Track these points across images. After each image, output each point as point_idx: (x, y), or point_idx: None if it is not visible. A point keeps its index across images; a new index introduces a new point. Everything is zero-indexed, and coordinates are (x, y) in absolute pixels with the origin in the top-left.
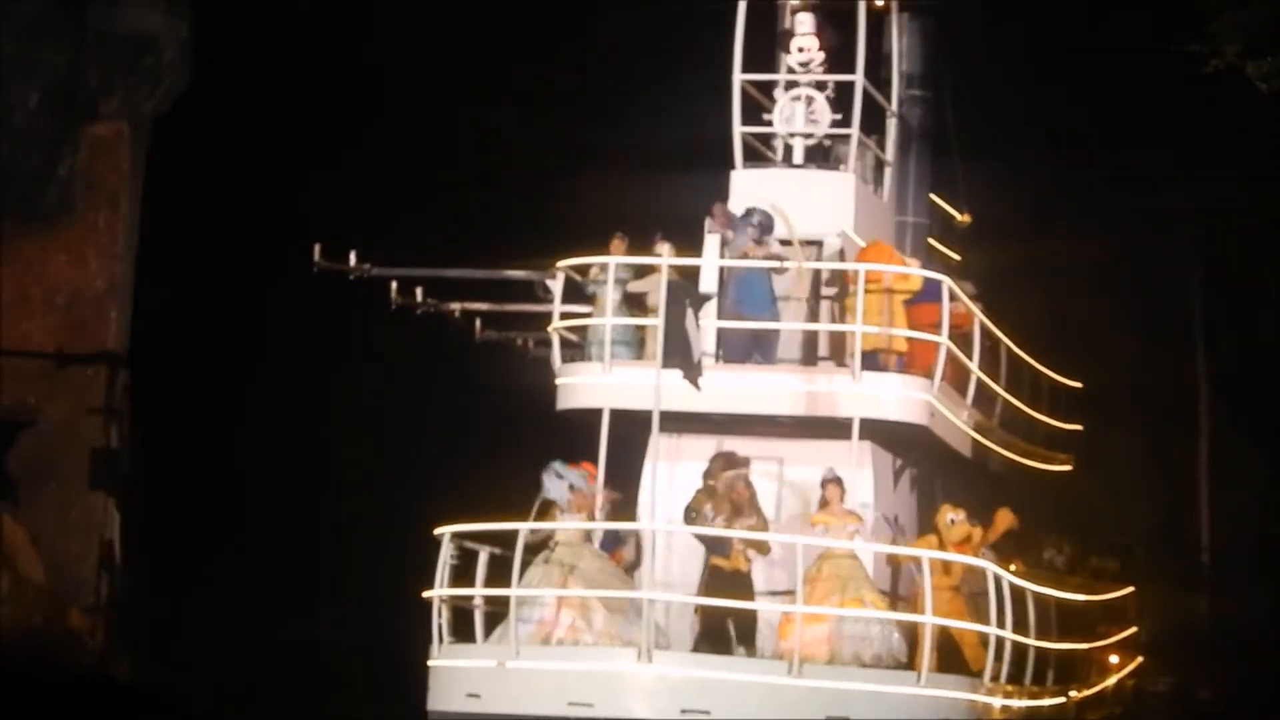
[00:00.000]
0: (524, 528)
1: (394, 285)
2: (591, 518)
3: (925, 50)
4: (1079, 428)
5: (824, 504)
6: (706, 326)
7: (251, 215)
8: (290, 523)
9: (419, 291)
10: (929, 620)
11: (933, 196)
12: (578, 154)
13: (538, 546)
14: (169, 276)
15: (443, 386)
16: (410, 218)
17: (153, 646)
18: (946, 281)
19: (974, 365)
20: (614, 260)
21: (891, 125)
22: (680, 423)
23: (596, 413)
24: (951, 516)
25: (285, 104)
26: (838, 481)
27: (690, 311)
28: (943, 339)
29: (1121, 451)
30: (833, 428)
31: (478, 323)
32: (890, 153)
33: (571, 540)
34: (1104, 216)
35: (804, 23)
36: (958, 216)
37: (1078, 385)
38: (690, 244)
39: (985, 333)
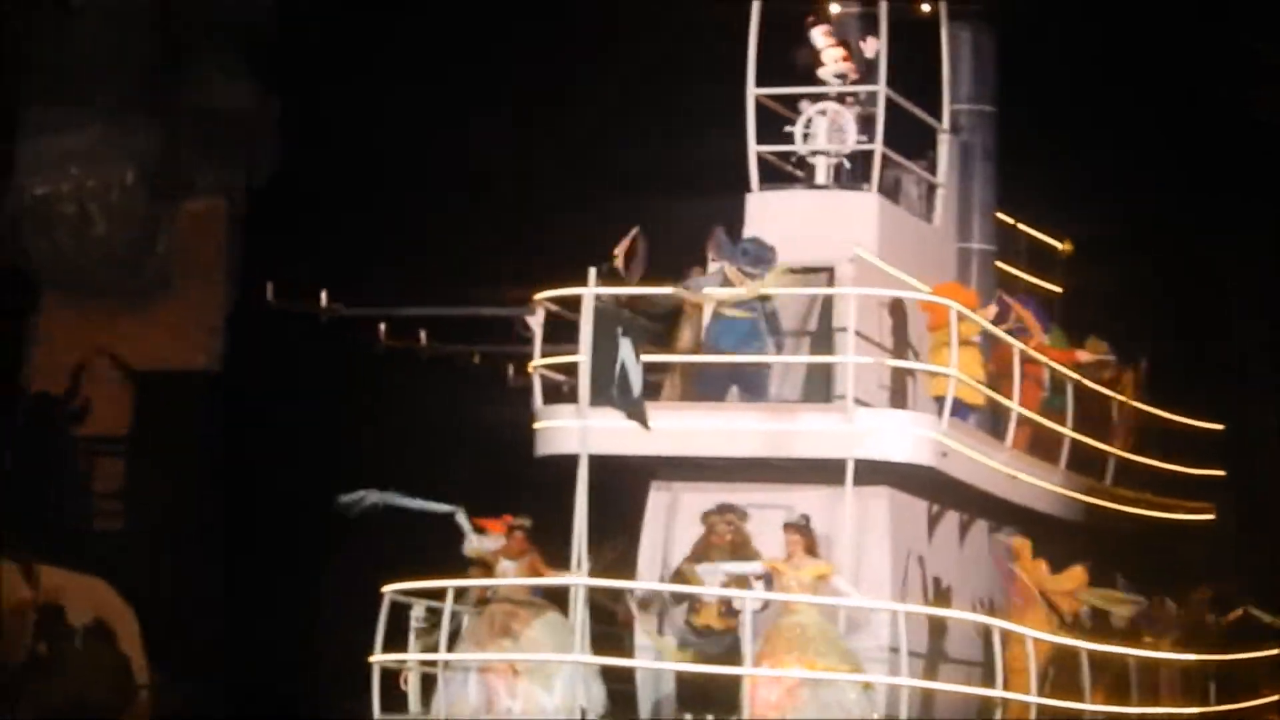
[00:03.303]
0: (456, 584)
1: (383, 326)
2: (532, 568)
3: (985, 62)
4: (1221, 473)
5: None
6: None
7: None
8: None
9: (423, 334)
10: (998, 695)
11: (1021, 226)
12: (574, 179)
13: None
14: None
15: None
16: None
17: None
18: (955, 306)
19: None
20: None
21: (943, 143)
22: (677, 470)
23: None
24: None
25: (377, 177)
26: (796, 528)
27: (626, 342)
28: (953, 370)
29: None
30: (857, 473)
31: (510, 368)
32: (942, 173)
33: (513, 595)
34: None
35: (822, 35)
36: (1058, 245)
37: (1218, 427)
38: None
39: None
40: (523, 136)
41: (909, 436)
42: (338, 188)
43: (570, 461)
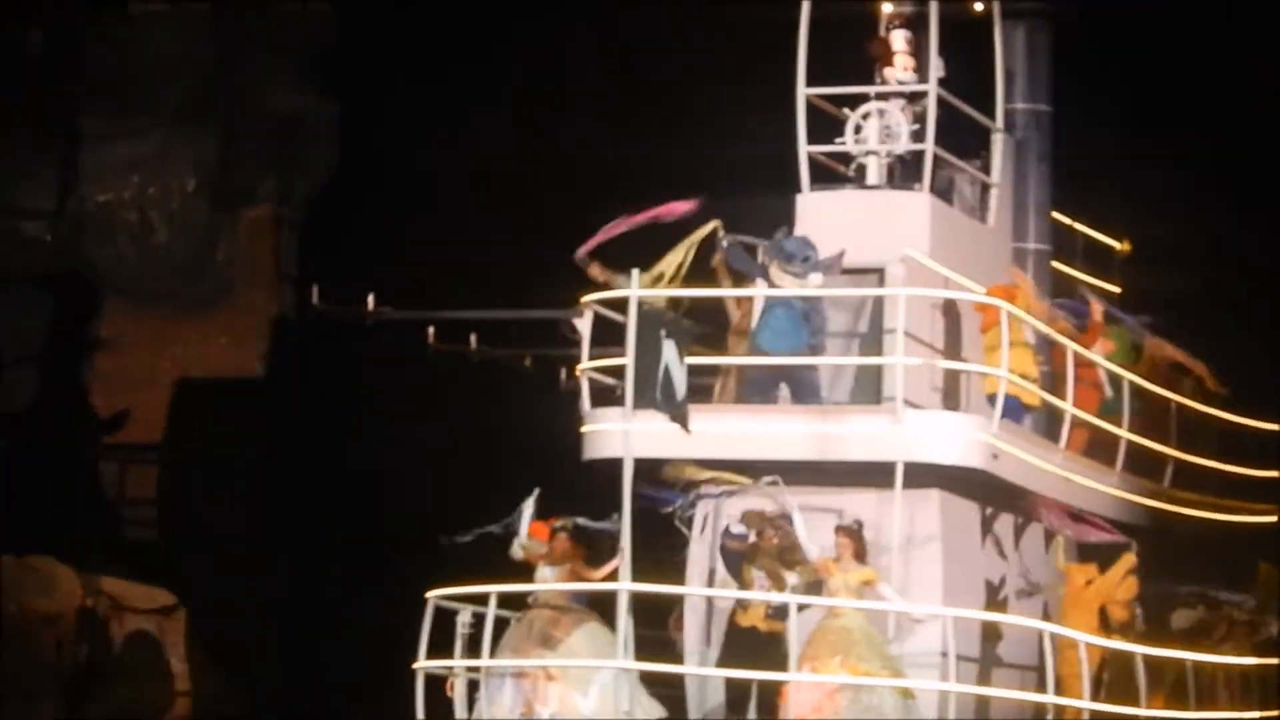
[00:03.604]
0: (499, 589)
1: (431, 330)
2: (574, 573)
3: (1040, 61)
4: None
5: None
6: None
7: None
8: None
9: (473, 338)
10: (1050, 700)
11: (1078, 225)
12: (620, 177)
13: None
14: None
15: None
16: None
17: None
18: (1006, 307)
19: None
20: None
21: (997, 142)
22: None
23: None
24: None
25: (433, 183)
26: (848, 531)
27: (670, 344)
28: (1003, 372)
29: None
30: (907, 476)
31: (562, 372)
32: (995, 173)
33: (553, 601)
34: None
35: (909, 40)
36: (1116, 245)
37: (1276, 428)
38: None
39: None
40: (573, 140)
41: (959, 439)
42: (394, 193)
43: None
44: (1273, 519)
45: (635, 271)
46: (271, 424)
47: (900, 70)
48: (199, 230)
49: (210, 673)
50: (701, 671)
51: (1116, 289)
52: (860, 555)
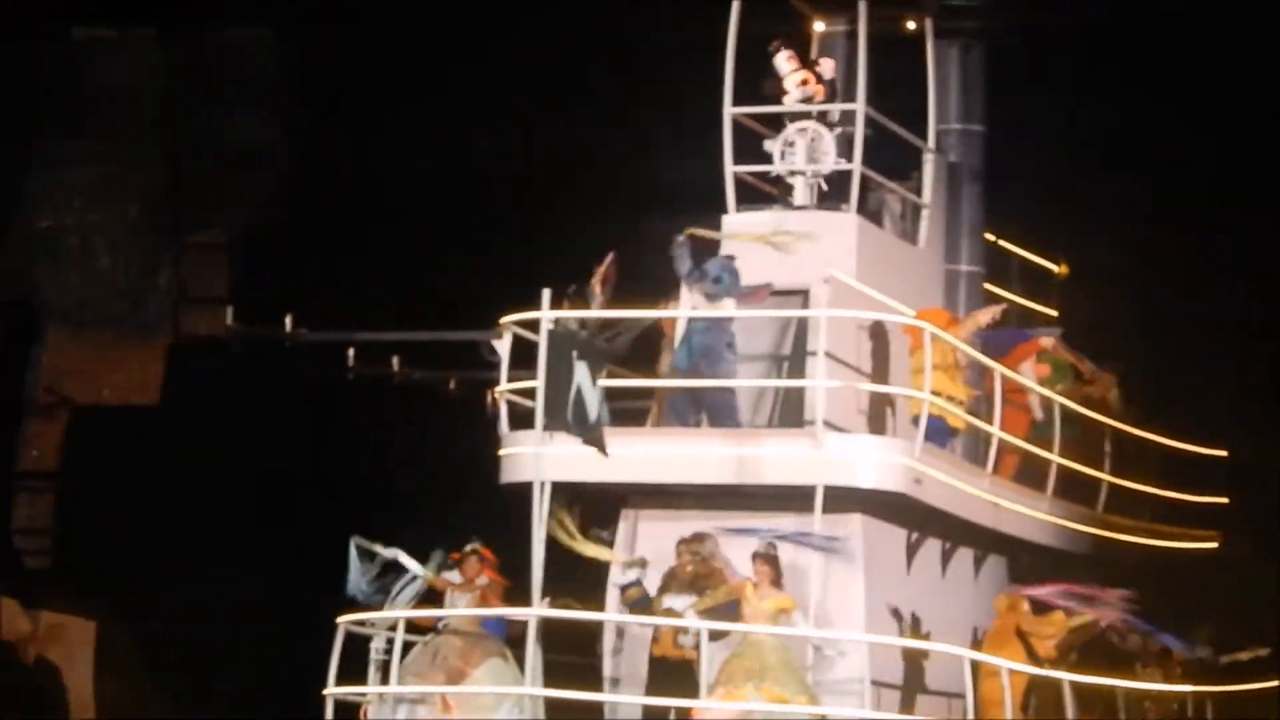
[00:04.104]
0: (402, 615)
1: (351, 352)
2: (484, 598)
3: (973, 81)
4: (1224, 500)
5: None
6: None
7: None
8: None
9: (395, 360)
10: None
11: (1009, 247)
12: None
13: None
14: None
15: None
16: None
17: None
18: (929, 328)
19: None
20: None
21: (928, 163)
22: (647, 498)
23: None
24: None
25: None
26: (765, 558)
27: (582, 366)
28: (925, 394)
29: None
30: (828, 500)
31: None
32: (926, 194)
33: (462, 628)
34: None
35: (790, 59)
36: (1054, 268)
37: (1222, 454)
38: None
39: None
40: (506, 159)
41: (880, 462)
42: (338, 222)
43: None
44: (1213, 545)
45: (546, 292)
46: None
47: (795, 88)
48: (143, 257)
49: (116, 698)
50: (610, 698)
51: (1054, 311)
52: (777, 581)
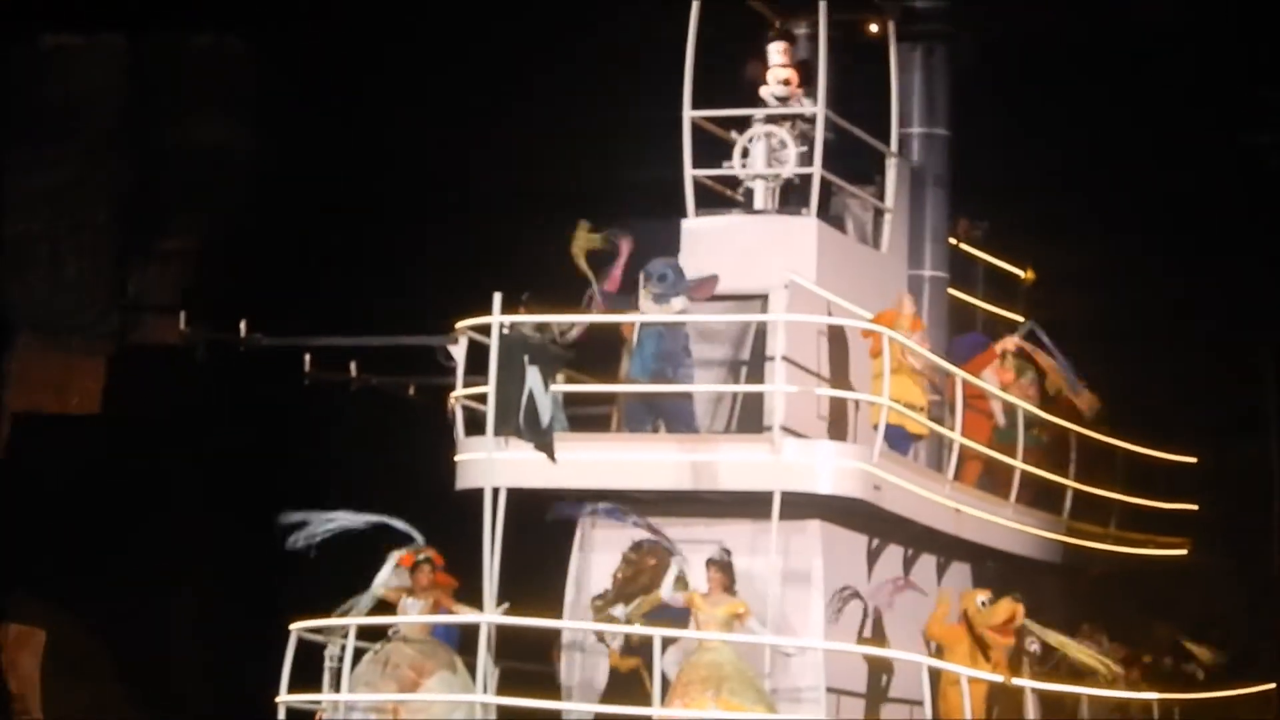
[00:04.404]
0: (354, 623)
1: (308, 358)
2: (437, 605)
3: (938, 85)
4: (1194, 507)
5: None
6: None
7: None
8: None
9: (353, 366)
10: None
11: (972, 252)
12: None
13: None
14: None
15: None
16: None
17: None
18: (888, 333)
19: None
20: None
21: (891, 167)
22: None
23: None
24: (982, 599)
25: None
26: (718, 564)
27: (534, 371)
28: (884, 399)
29: (1248, 533)
30: (787, 506)
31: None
32: (890, 198)
33: (412, 636)
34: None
35: (783, 52)
36: (1020, 274)
37: (1191, 460)
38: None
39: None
40: (463, 163)
41: (837, 468)
42: (307, 227)
43: (511, 496)
44: (1182, 552)
45: (497, 295)
46: (123, 454)
47: (773, 84)
48: (110, 264)
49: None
50: (560, 706)
51: (1020, 318)
52: (729, 587)
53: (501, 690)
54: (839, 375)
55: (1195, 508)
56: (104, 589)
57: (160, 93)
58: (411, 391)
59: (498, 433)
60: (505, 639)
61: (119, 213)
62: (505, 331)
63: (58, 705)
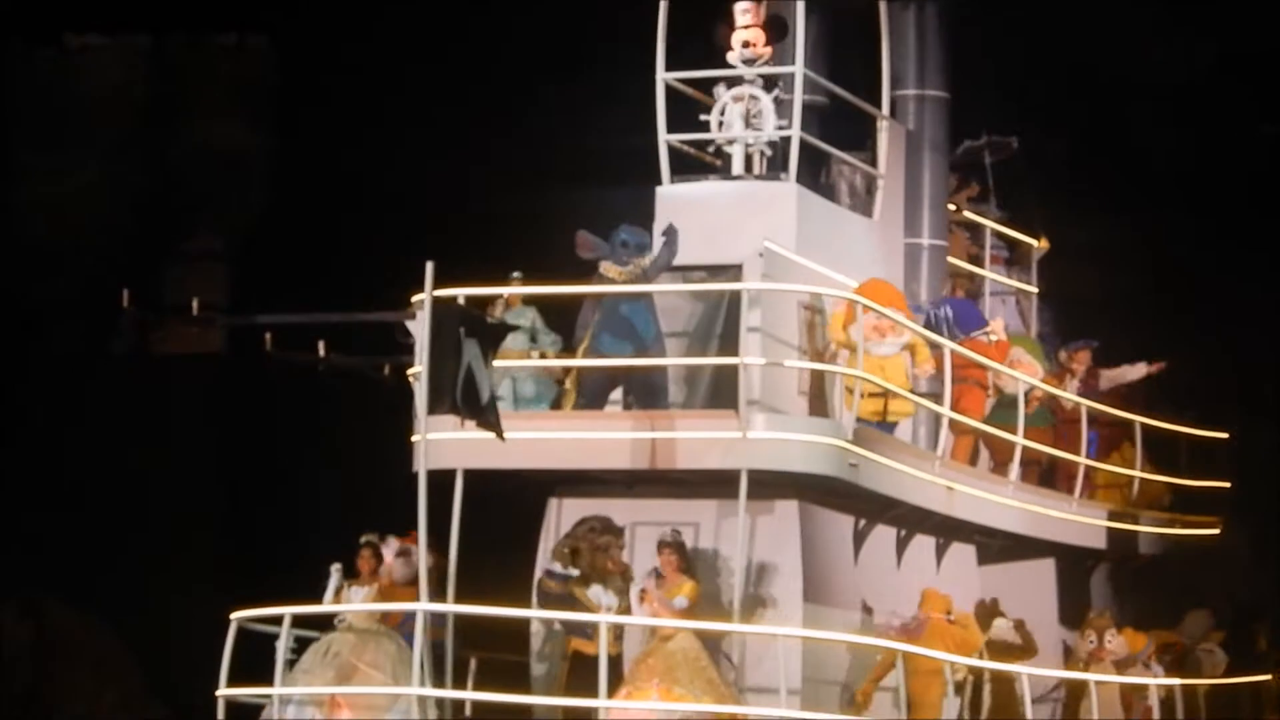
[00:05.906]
0: (290, 612)
1: (268, 336)
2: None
3: (932, 44)
4: (1227, 485)
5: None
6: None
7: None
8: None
9: (321, 345)
10: None
11: (987, 223)
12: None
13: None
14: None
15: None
16: None
17: None
18: (864, 301)
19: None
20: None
21: (882, 131)
22: (575, 485)
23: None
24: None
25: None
26: (671, 546)
27: (472, 344)
28: (858, 371)
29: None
30: (757, 486)
31: None
32: (882, 164)
33: (357, 625)
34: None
35: (746, 12)
36: (1034, 243)
37: (1223, 436)
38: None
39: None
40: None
41: (809, 446)
42: (321, 226)
43: (475, 476)
44: (1213, 532)
45: (429, 265)
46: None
47: (738, 46)
48: (134, 264)
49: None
50: (501, 699)
51: (1034, 289)
52: (684, 569)
53: (477, 685)
54: (820, 349)
55: (1228, 485)
56: (122, 586)
57: (184, 92)
58: (387, 371)
59: (431, 411)
60: (480, 629)
61: (142, 215)
62: (437, 303)
63: (85, 703)
